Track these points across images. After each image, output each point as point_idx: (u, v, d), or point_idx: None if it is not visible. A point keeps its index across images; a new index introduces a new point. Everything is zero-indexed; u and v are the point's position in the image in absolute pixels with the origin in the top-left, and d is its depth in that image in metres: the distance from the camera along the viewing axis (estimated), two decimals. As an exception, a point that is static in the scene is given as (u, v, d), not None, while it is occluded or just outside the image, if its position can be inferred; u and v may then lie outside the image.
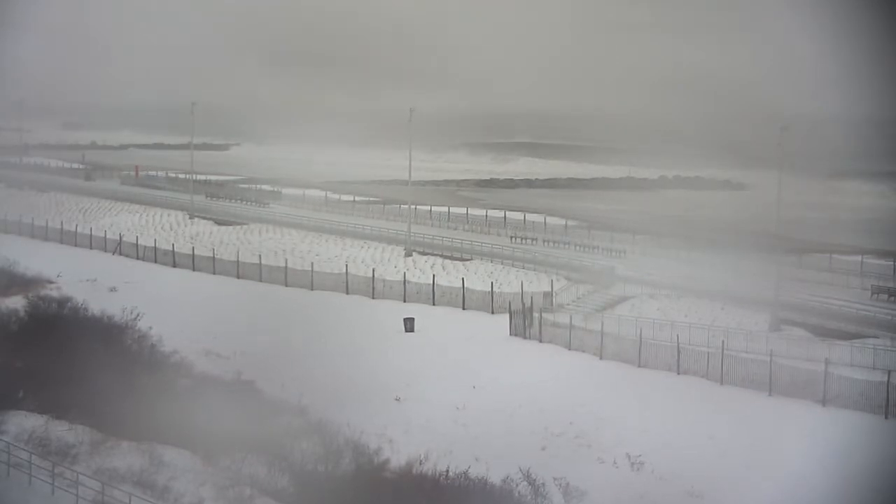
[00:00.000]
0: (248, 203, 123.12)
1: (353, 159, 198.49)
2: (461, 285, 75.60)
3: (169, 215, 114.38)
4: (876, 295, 71.65)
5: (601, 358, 58.65)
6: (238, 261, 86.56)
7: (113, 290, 75.82)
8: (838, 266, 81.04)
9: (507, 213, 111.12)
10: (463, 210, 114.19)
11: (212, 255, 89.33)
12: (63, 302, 59.65)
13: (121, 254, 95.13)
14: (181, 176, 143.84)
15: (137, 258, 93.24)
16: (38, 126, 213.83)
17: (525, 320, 64.03)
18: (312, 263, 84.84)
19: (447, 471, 38.01)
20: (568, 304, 70.43)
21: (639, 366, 56.92)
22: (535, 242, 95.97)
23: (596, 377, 55.55)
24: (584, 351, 59.91)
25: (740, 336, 59.45)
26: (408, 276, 79.52)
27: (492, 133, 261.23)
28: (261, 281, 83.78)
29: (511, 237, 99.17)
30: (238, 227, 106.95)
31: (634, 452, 42.65)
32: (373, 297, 77.75)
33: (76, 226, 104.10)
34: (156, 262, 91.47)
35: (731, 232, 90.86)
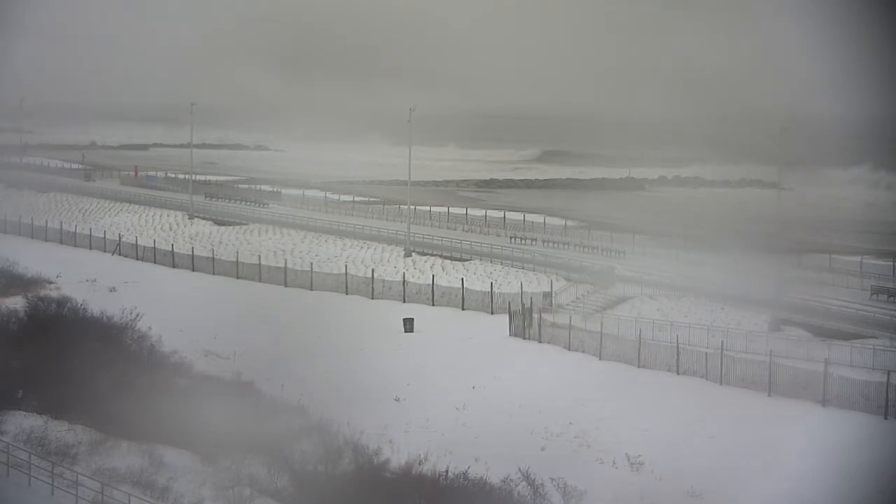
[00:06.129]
0: (248, 203, 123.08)
1: (352, 159, 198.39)
2: (461, 285, 75.61)
3: (168, 215, 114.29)
4: (875, 295, 71.62)
5: (601, 358, 58.62)
6: (237, 261, 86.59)
7: (112, 290, 75.92)
8: (838, 266, 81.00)
9: (506, 213, 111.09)
10: (462, 210, 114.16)
11: (211, 255, 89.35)
12: (62, 302, 59.69)
13: (120, 254, 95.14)
14: (180, 176, 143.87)
15: (137, 258, 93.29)
16: (38, 126, 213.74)
17: (525, 321, 64.01)
18: (312, 264, 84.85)
19: (447, 471, 38.04)
20: (567, 305, 70.35)
21: (638, 366, 56.89)
22: (534, 243, 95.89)
23: (595, 377, 55.51)
24: (583, 351, 59.87)
25: (740, 336, 59.35)
26: (407, 277, 79.53)
27: (492, 139, 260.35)
28: (260, 281, 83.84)
29: (510, 237, 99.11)
30: (237, 227, 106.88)
31: (634, 452, 42.66)
32: (372, 298, 77.78)
33: (76, 226, 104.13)
34: (155, 262, 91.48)
35: (730, 232, 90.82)
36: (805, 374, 51.13)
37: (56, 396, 41.12)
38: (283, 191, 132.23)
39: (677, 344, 56.13)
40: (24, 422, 39.27)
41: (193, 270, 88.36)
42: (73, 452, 37.24)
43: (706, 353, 54.98)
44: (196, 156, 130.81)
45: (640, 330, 59.40)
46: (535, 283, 76.43)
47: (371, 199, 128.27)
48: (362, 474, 37.31)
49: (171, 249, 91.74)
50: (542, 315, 64.25)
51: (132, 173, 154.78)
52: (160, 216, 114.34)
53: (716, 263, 77.42)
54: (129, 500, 33.43)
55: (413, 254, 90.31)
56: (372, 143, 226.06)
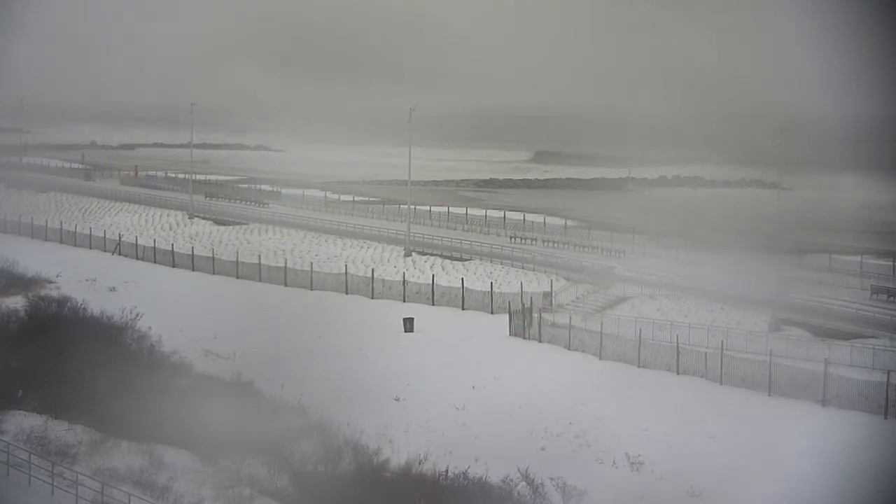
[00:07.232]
0: (248, 203, 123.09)
1: (352, 159, 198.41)
2: (461, 285, 75.61)
3: (168, 215, 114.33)
4: (875, 295, 71.64)
5: (601, 358, 58.61)
6: (237, 261, 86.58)
7: (112, 289, 75.91)
8: (838, 266, 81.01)
9: (506, 213, 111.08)
10: (462, 210, 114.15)
11: (211, 255, 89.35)
12: (63, 302, 59.72)
13: (120, 254, 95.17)
14: (181, 176, 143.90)
15: (137, 258, 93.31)
16: (38, 126, 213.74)
17: (525, 320, 63.99)
18: (312, 263, 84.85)
19: (447, 471, 38.03)
20: (567, 305, 70.37)
21: (638, 366, 56.88)
22: (534, 242, 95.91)
23: (595, 377, 55.49)
24: (583, 351, 59.86)
25: (740, 336, 59.38)
26: (407, 276, 79.52)
27: (492, 139, 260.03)
28: (260, 281, 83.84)
29: (510, 237, 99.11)
30: (237, 227, 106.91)
31: (634, 452, 42.65)
32: (372, 297, 77.77)
33: (76, 226, 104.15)
34: (155, 262, 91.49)
35: (730, 232, 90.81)
36: (805, 374, 51.12)
37: (56, 396, 41.12)
38: (283, 191, 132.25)
39: (677, 344, 56.12)
40: (24, 422, 39.28)
41: (193, 270, 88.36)
42: (73, 452, 37.24)
43: (706, 353, 54.97)
44: (196, 156, 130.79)
45: (640, 330, 59.41)
46: (535, 283, 76.43)
47: (371, 199, 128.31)
48: (362, 474, 37.31)
49: (171, 249, 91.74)
50: (542, 315, 64.24)
51: (132, 173, 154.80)
52: (160, 216, 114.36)
53: (716, 263, 77.42)
54: (129, 500, 33.43)
55: (413, 253, 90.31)
56: (372, 143, 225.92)
